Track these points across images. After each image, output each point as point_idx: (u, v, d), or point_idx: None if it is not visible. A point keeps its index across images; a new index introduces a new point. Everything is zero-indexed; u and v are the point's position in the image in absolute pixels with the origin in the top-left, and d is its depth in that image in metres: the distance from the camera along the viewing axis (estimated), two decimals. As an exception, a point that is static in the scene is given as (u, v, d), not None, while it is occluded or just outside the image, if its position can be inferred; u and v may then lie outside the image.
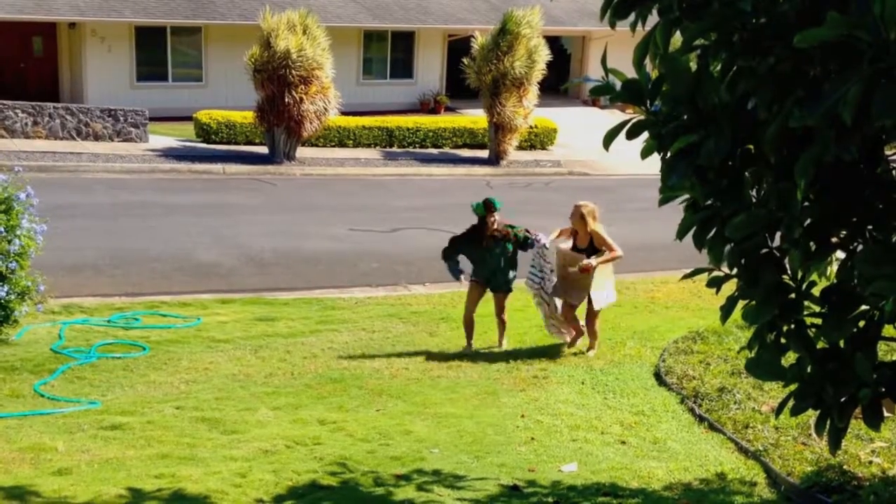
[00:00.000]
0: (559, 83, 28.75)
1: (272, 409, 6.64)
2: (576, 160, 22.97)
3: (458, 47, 25.81)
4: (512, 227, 8.83)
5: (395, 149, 22.33)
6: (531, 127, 22.76)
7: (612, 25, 3.16)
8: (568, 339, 8.90)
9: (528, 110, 21.62)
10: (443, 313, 10.21)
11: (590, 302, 8.52)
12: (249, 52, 19.22)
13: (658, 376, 7.79)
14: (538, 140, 23.76)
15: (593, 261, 8.35)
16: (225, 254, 12.53)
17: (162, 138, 20.94)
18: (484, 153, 22.28)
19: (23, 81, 22.53)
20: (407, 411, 6.77)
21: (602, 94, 3.09)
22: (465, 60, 21.77)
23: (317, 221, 14.81)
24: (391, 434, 6.11)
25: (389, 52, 26.72)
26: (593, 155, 22.91)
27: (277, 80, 18.83)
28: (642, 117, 3.04)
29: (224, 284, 11.20)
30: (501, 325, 9.03)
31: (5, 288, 7.82)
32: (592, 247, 8.53)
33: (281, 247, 12.96)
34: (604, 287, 8.63)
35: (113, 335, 8.74)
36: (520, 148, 22.57)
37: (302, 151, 20.39)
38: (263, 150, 20.32)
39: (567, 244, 8.75)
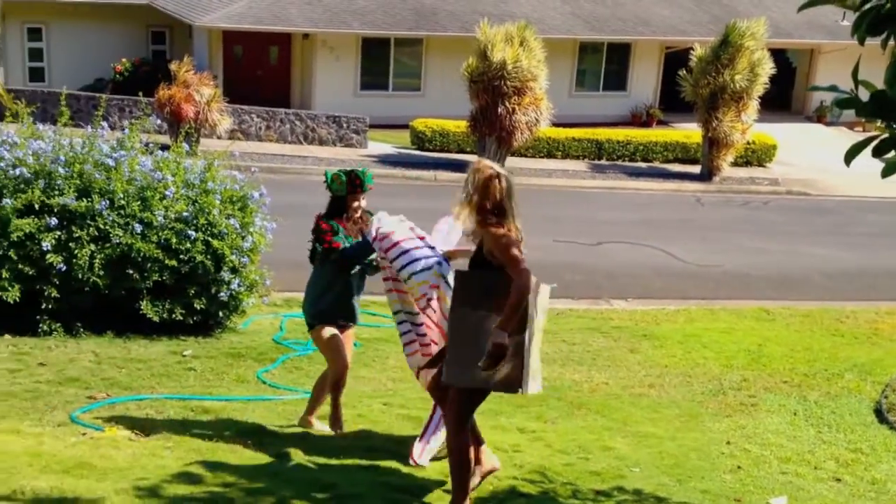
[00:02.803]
0: (782, 98, 27.47)
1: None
2: (795, 179, 21.90)
3: (674, 59, 25.27)
4: (370, 213, 5.85)
5: (603, 161, 22.18)
6: (748, 143, 21.92)
7: (862, 41, 3.00)
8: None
9: (747, 125, 20.85)
10: (645, 330, 10.04)
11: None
12: (466, 63, 19.69)
13: (879, 413, 7.32)
14: (755, 156, 22.85)
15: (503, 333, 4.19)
16: (434, 258, 12.87)
17: (379, 145, 21.88)
18: (695, 168, 21.69)
19: (259, 88, 24.21)
20: (606, 427, 6.73)
21: (848, 108, 2.95)
22: (681, 73, 21.29)
23: (522, 230, 14.93)
24: (590, 448, 6.09)
25: (604, 64, 26.56)
26: (815, 174, 21.79)
27: (492, 91, 19.19)
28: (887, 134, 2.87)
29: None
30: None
31: (237, 280, 8.45)
32: (483, 258, 4.57)
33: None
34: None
35: (328, 330, 9.20)
36: (734, 164, 21.80)
37: (511, 161, 20.63)
38: (474, 158, 20.71)
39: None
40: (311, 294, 5.85)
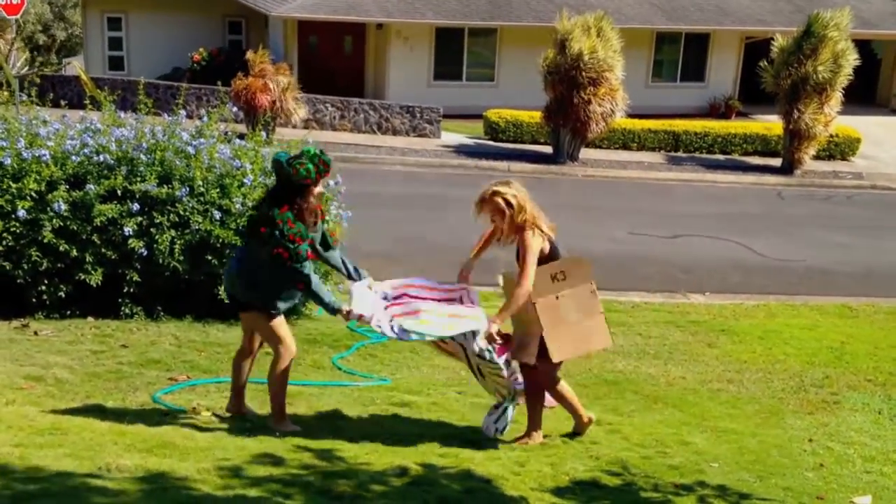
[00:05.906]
0: (866, 90, 26.67)
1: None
2: (881, 173, 21.23)
3: (754, 50, 24.71)
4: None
5: (680, 153, 21.80)
6: (831, 136, 21.30)
7: None
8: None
9: (830, 118, 20.25)
10: (723, 325, 9.84)
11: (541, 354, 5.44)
12: (543, 55, 19.51)
13: (970, 415, 7.03)
14: (838, 150, 22.19)
15: (495, 322, 5.26)
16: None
17: (453, 135, 21.87)
18: (776, 161, 21.17)
19: (333, 78, 24.41)
20: (684, 421, 6.61)
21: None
22: (762, 64, 20.79)
23: (596, 223, 14.78)
24: (668, 443, 5.99)
25: (681, 55, 26.10)
26: (902, 168, 21.09)
27: (567, 82, 19.00)
28: None
29: (505, 278, 11.45)
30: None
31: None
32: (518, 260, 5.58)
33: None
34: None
35: (402, 318, 9.22)
36: (817, 157, 21.21)
37: (585, 152, 20.45)
38: (548, 149, 20.59)
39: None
40: (276, 284, 5.36)
